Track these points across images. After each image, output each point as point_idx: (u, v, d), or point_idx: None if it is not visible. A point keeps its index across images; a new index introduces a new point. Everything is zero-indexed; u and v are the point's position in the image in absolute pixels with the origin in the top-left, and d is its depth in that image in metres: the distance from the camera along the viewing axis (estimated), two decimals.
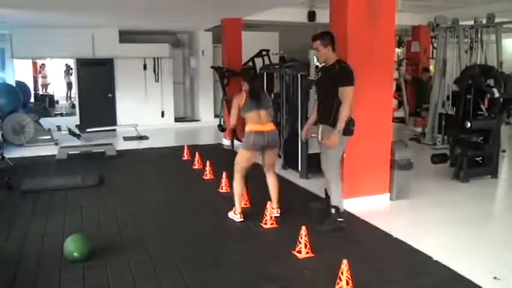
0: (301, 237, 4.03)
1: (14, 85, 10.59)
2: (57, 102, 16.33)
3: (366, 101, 5.25)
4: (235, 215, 5.01)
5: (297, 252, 4.04)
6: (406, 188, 5.62)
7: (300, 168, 6.87)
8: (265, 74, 8.21)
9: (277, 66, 8.09)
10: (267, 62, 10.12)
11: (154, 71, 12.21)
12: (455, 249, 4.25)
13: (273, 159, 5.11)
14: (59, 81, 17.01)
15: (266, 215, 4.81)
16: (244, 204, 5.32)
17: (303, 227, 4.05)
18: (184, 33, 13.25)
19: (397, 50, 12.29)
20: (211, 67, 9.52)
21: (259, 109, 4.85)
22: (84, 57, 11.56)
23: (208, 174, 6.85)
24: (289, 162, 7.22)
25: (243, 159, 4.96)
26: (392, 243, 4.35)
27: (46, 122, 10.55)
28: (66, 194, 6.10)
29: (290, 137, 7.11)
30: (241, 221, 4.94)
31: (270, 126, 4.91)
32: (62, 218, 5.18)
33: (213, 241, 4.52)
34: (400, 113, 11.59)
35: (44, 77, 17.12)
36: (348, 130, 4.51)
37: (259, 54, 10.61)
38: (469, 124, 6.38)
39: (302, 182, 6.56)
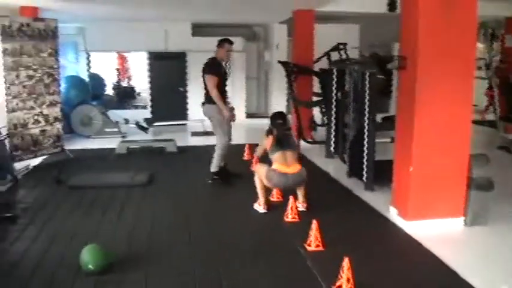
0: (343, 271, 3.36)
1: (87, 77, 10.75)
2: (139, 94, 16.57)
3: (439, 104, 4.43)
4: (259, 206, 5.21)
5: None
6: (484, 212, 4.62)
7: (364, 178, 6.10)
8: (335, 70, 7.52)
9: (348, 62, 7.34)
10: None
11: (226, 65, 11.85)
12: None
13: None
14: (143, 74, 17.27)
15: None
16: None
17: (346, 259, 3.37)
18: (260, 26, 12.78)
19: (480, 45, 10.87)
20: (279, 62, 8.94)
21: (285, 150, 5.09)
22: (157, 50, 11.49)
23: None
24: (354, 169, 6.45)
25: (262, 177, 5.11)
26: (457, 285, 3.53)
27: (115, 114, 10.57)
28: (113, 192, 5.85)
29: (356, 140, 6.35)
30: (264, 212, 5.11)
31: (295, 168, 5.06)
32: (98, 220, 4.93)
33: (246, 255, 3.99)
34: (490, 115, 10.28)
35: (127, 69, 17.53)
36: None
37: (335, 48, 9.88)
38: None
39: (366, 195, 5.76)
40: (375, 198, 5.58)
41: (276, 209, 5.16)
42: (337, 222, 4.80)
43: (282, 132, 5.30)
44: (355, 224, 4.86)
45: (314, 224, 4.15)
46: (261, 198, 5.21)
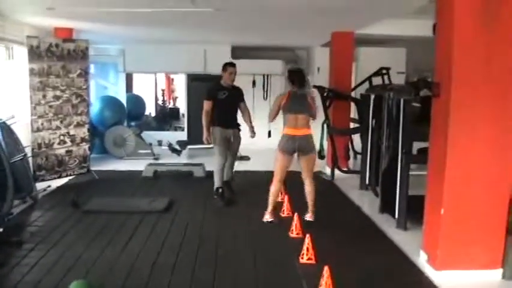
0: None
1: (124, 98, 10.75)
2: (184, 115, 16.52)
3: (475, 138, 3.89)
4: (265, 215, 5.45)
5: None
6: None
7: (396, 215, 5.54)
8: (372, 96, 7.04)
9: (387, 88, 6.84)
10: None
11: (264, 88, 11.58)
12: None
13: (308, 165, 5.34)
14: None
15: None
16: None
17: None
18: (302, 50, 12.44)
19: None
20: (314, 86, 8.55)
21: (297, 113, 5.11)
22: (196, 72, 11.37)
23: (285, 211, 5.83)
24: (386, 204, 5.90)
25: (276, 161, 5.33)
26: None
27: (150, 136, 10.44)
28: (126, 219, 5.59)
29: (388, 172, 5.81)
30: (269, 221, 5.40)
31: (303, 132, 5.14)
32: (102, 248, 4.67)
33: None
34: None
35: (172, 90, 17.63)
36: None
37: (378, 72, 9.39)
38: None
39: (396, 234, 5.18)
40: (405, 239, 5.01)
41: (293, 246, 4.70)
42: (356, 266, 4.29)
43: (299, 91, 5.20)
44: (376, 268, 4.29)
45: (326, 272, 3.65)
46: (270, 207, 5.43)
